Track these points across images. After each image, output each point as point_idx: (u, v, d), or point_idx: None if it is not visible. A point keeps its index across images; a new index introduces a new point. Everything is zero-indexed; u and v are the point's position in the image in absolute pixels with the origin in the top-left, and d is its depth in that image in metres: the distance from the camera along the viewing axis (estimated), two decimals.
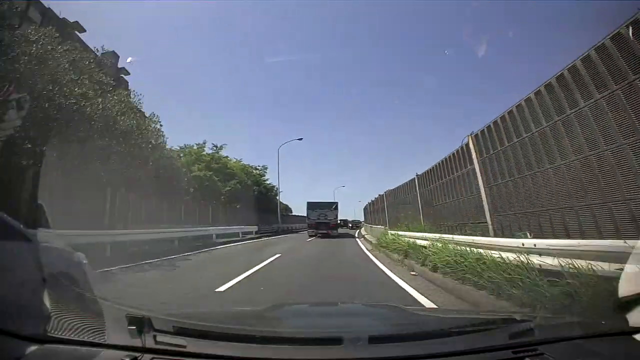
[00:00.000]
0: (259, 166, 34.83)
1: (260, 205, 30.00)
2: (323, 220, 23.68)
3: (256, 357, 1.09)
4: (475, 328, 1.37)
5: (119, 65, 32.28)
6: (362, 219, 44.87)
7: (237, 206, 26.77)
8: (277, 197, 34.12)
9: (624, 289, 1.65)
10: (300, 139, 33.02)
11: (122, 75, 32.66)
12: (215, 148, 28.63)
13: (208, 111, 74.37)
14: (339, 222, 26.00)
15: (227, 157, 29.41)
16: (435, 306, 4.08)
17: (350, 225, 44.48)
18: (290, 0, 65.31)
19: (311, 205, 24.98)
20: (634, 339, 1.18)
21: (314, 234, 23.25)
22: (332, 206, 25.15)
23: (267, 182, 35.30)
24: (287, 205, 48.96)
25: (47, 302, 1.37)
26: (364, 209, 33.59)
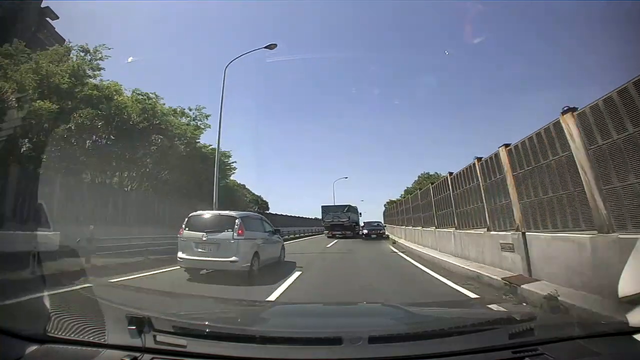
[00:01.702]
0: (190, 108, 17.09)
1: (192, 185, 15.24)
2: (337, 222, 25.21)
3: (256, 357, 1.09)
4: (475, 328, 1.36)
5: (43, 5, 23.70)
6: (364, 220, 35.99)
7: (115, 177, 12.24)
8: (215, 167, 13.57)
9: (624, 289, 1.65)
10: (274, 46, 14.55)
11: (48, 19, 25.93)
12: (87, 52, 12.68)
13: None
14: (354, 224, 26.40)
15: (99, 68, 12.75)
16: None
17: (367, 231, 23.28)
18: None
19: (325, 209, 26.95)
20: (634, 339, 1.18)
21: (331, 235, 24.62)
22: (345, 209, 26.59)
23: (203, 139, 17.06)
24: (258, 198, 31.50)
25: (47, 302, 1.37)
26: (384, 211, 27.06)
